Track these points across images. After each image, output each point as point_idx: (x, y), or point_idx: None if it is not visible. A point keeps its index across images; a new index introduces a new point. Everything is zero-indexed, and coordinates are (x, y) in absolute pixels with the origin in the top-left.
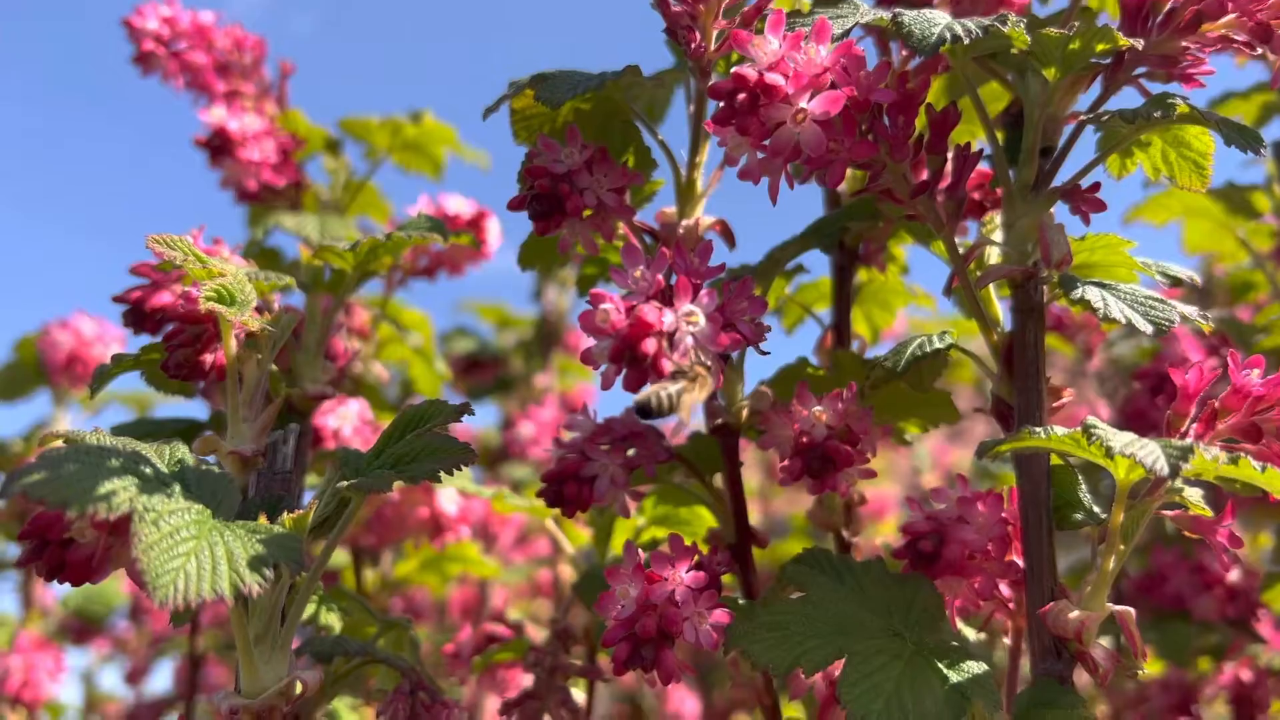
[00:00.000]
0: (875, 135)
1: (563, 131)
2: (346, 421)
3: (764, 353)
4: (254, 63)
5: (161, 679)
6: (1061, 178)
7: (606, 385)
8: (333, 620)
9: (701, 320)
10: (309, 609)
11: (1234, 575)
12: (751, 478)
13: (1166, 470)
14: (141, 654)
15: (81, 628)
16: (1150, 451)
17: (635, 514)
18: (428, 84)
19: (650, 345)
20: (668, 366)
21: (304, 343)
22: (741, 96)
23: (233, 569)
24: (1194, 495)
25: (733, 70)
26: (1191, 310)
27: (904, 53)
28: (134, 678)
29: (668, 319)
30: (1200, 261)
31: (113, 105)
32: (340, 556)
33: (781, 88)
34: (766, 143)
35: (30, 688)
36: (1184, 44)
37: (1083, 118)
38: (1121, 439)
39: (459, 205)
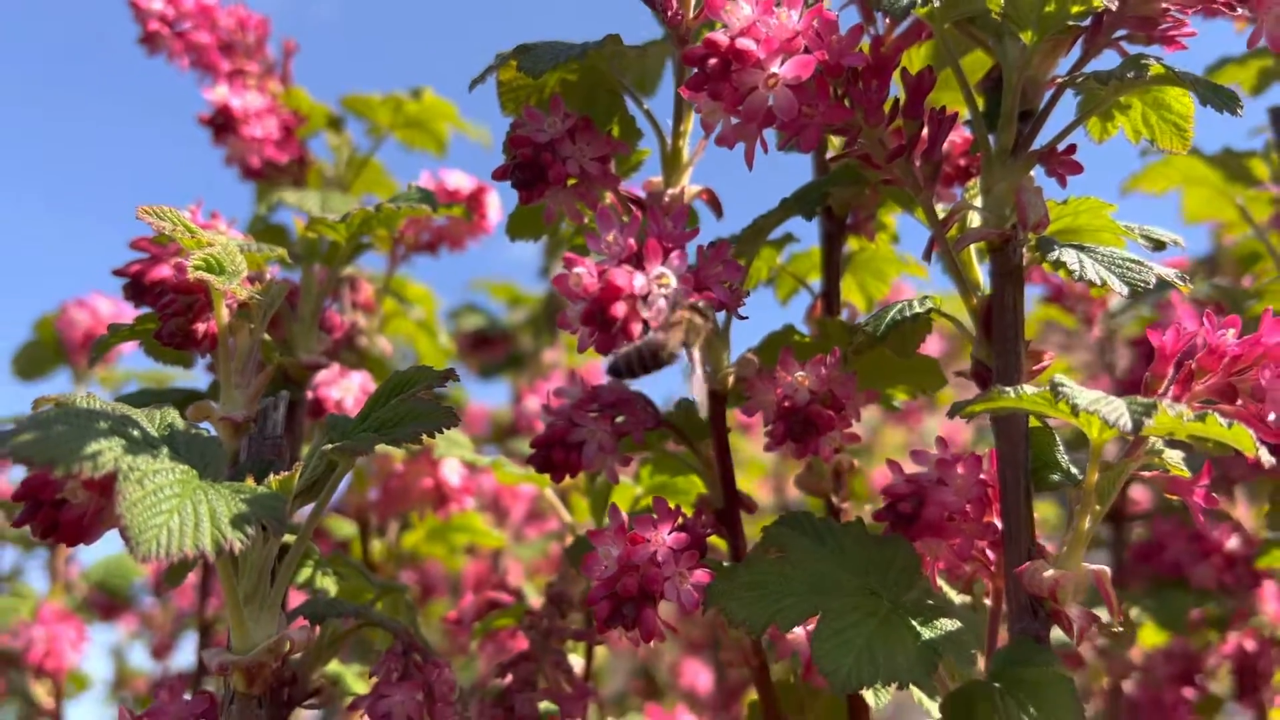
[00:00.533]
0: (850, 100)
1: (548, 102)
2: (349, 393)
3: (742, 317)
4: (257, 42)
5: (187, 654)
6: (1044, 140)
7: (581, 348)
8: (328, 584)
9: (673, 282)
10: (304, 573)
11: (1232, 543)
12: (767, 457)
13: (1130, 426)
14: (167, 629)
15: (108, 603)
16: (1115, 408)
17: (633, 483)
18: (449, 68)
19: (620, 308)
20: (637, 329)
21: (299, 313)
22: (713, 62)
23: (215, 526)
24: (1173, 456)
25: (705, 36)
26: (1170, 272)
27: (888, 20)
28: (160, 653)
29: (638, 281)
30: (1209, 232)
31: (133, 86)
32: (348, 528)
33: (753, 53)
34: (740, 108)
35: (53, 657)
36: (1164, 5)
37: (1059, 81)
38: (1088, 396)
39: (459, 180)
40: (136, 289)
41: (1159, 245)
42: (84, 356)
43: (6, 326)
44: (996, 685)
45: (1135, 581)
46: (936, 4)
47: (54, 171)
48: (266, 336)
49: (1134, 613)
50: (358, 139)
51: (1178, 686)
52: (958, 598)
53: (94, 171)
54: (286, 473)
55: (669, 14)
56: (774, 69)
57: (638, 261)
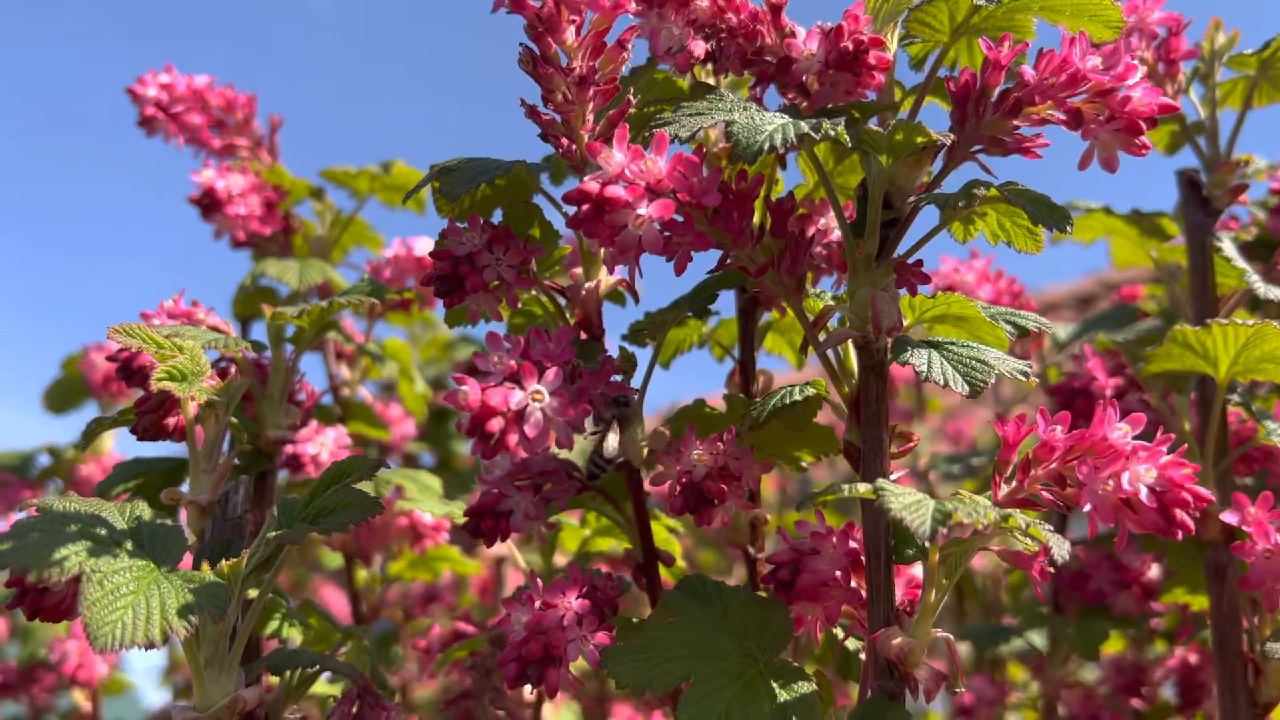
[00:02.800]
0: (719, 227)
1: (479, 208)
2: (324, 448)
3: (607, 422)
4: (245, 119)
5: None
6: (917, 239)
7: (473, 452)
8: (294, 634)
9: (547, 397)
10: (272, 625)
11: (1153, 572)
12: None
13: (926, 533)
14: None
15: None
16: (918, 515)
17: (580, 526)
18: (445, 57)
19: (496, 424)
20: (514, 440)
21: (269, 391)
22: (586, 207)
23: (164, 617)
24: (1046, 537)
25: (579, 184)
26: (1016, 366)
27: None
28: None
29: (515, 399)
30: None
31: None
32: (338, 560)
33: (621, 198)
34: (615, 241)
35: (85, 669)
36: (1013, 124)
37: (911, 200)
38: (900, 501)
39: (426, 247)
40: (126, 371)
41: (1023, 331)
42: (105, 394)
43: (39, 362)
44: None
45: (1071, 607)
46: (783, 149)
47: (83, 214)
48: (233, 420)
49: (1039, 641)
50: (341, 202)
51: (1126, 698)
52: (853, 644)
53: (125, 213)
54: (235, 559)
55: (561, 150)
56: (641, 210)
57: (518, 379)
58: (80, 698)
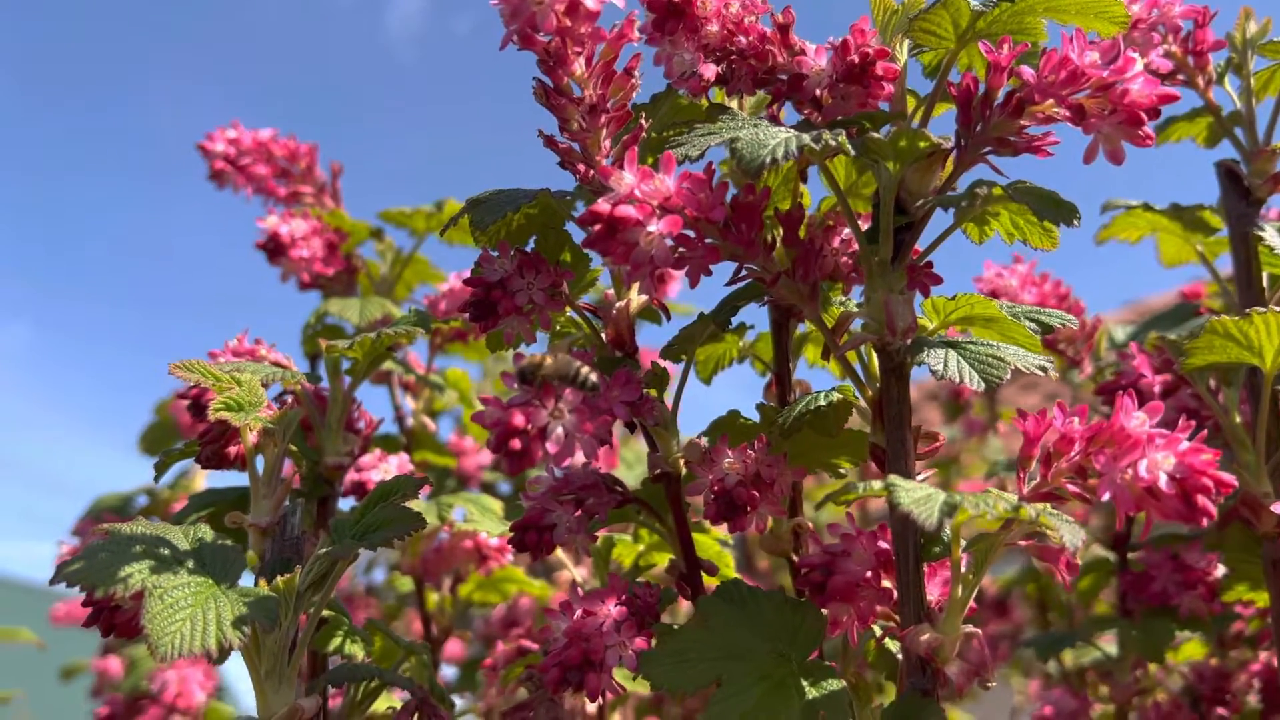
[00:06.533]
0: (730, 240)
1: (514, 237)
2: (388, 474)
3: (631, 427)
4: (308, 167)
5: None
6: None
7: (503, 470)
8: (356, 650)
9: (566, 414)
10: (335, 641)
11: (1219, 572)
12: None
13: (933, 525)
14: None
15: None
16: (925, 509)
17: (635, 541)
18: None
19: (517, 443)
20: (539, 454)
21: (327, 421)
22: (598, 227)
23: (219, 628)
24: (1056, 525)
25: (590, 207)
26: (1035, 362)
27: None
28: None
29: (536, 417)
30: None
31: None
32: (409, 584)
33: (631, 217)
34: (629, 259)
35: (184, 697)
36: (1020, 123)
37: (920, 204)
38: (910, 496)
39: None
40: (196, 407)
41: (1046, 329)
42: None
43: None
44: None
45: (1138, 610)
46: (784, 163)
47: (180, 261)
48: (294, 447)
49: (1109, 647)
50: (402, 241)
51: (1210, 707)
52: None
53: (223, 258)
54: (290, 575)
55: (579, 176)
56: (651, 228)
57: (540, 398)
58: None
